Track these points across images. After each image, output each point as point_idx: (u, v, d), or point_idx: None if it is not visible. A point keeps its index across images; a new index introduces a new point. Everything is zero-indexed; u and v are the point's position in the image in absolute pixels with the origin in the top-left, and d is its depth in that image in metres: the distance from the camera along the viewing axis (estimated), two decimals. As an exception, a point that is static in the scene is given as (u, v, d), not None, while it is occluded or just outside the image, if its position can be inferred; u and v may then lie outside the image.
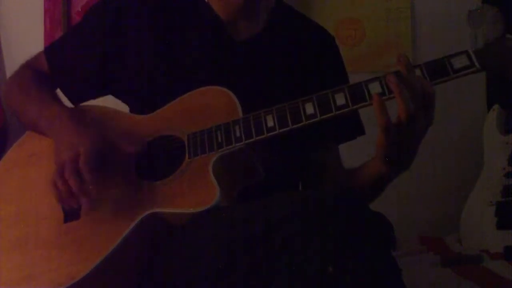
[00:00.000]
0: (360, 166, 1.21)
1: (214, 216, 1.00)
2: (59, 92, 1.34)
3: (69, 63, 1.32)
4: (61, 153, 1.11)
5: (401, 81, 0.98)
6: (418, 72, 1.00)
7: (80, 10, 2.24)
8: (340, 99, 1.02)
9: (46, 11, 2.24)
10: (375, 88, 1.01)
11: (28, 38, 2.23)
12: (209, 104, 1.13)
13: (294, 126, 1.03)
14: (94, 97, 1.34)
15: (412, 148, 1.06)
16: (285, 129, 1.04)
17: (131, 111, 1.29)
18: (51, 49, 1.36)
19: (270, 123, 1.05)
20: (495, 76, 1.05)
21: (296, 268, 0.84)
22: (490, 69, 1.01)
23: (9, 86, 1.36)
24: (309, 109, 1.03)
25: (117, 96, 1.33)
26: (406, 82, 0.98)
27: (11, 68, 2.13)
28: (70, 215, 1.13)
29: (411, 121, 0.99)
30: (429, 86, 0.99)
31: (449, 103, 2.30)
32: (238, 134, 1.06)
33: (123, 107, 1.31)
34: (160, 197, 1.07)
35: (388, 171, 1.11)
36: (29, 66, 1.36)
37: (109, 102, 1.32)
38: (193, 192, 1.05)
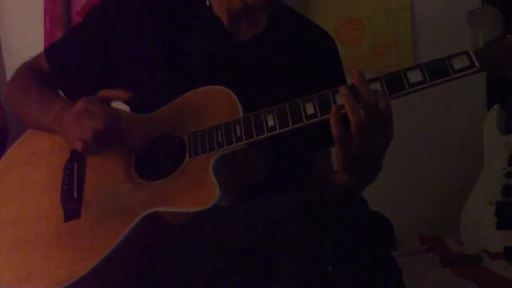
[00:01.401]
0: (331, 174, 1.21)
1: (214, 216, 1.00)
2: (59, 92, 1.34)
3: (70, 64, 1.32)
4: (70, 127, 1.12)
5: (353, 94, 0.98)
6: (418, 72, 1.00)
7: (80, 10, 2.24)
8: (340, 99, 1.02)
9: (46, 11, 2.24)
10: (374, 88, 1.01)
11: (28, 38, 2.22)
12: (209, 104, 1.13)
13: (295, 126, 1.03)
14: None
15: (373, 161, 1.05)
16: (285, 129, 1.04)
17: (131, 110, 1.29)
18: (51, 50, 1.37)
19: (271, 123, 1.05)
20: (495, 76, 1.04)
21: (296, 268, 0.84)
22: (490, 69, 1.01)
23: (11, 87, 1.36)
24: (310, 109, 1.03)
25: (118, 96, 1.33)
26: (359, 95, 0.98)
27: (11, 68, 2.13)
28: (71, 214, 1.13)
29: (364, 134, 0.98)
30: (383, 100, 0.99)
31: (449, 103, 2.30)
32: (238, 133, 1.06)
33: (123, 107, 1.31)
34: (160, 196, 1.07)
35: (351, 182, 1.09)
36: (30, 67, 1.36)
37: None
38: (193, 192, 1.05)
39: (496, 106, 2.08)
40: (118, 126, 1.11)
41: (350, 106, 0.98)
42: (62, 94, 1.35)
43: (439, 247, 1.95)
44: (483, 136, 2.10)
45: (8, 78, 1.43)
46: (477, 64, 0.98)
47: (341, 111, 0.99)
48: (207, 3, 1.27)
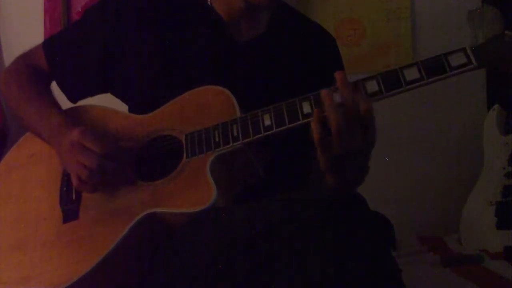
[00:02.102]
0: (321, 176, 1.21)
1: (214, 216, 1.00)
2: (59, 92, 1.33)
3: (68, 60, 1.31)
4: (65, 154, 1.12)
5: (333, 96, 0.99)
6: (415, 69, 1.00)
7: (80, 10, 2.23)
8: (337, 98, 1.02)
9: (46, 11, 2.24)
10: (373, 86, 1.01)
11: (28, 38, 2.21)
12: (207, 104, 1.13)
13: (291, 125, 1.03)
14: (92, 95, 1.33)
15: (356, 163, 1.04)
16: (282, 128, 1.04)
17: (130, 110, 1.29)
18: (49, 44, 1.35)
19: (267, 122, 1.05)
20: (495, 73, 1.04)
21: (296, 268, 0.84)
22: (488, 66, 1.01)
23: (7, 85, 1.35)
24: (306, 107, 1.03)
25: (116, 95, 1.32)
26: (340, 97, 0.99)
27: (11, 68, 2.13)
28: (69, 215, 1.14)
29: (345, 136, 0.98)
30: (365, 102, 0.99)
31: (449, 103, 2.30)
32: (235, 133, 1.06)
33: (122, 107, 1.31)
34: (157, 197, 1.07)
35: (337, 185, 1.09)
36: (26, 61, 1.35)
37: (108, 101, 1.31)
38: (190, 192, 1.05)
39: (496, 106, 2.08)
40: (112, 165, 1.11)
41: (331, 109, 0.98)
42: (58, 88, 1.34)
43: (439, 247, 1.95)
44: (483, 136, 2.10)
45: (3, 71, 1.42)
46: (474, 61, 0.98)
47: (322, 114, 0.99)
48: (208, 2, 1.27)
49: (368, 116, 0.99)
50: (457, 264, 1.69)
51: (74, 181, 1.12)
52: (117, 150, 1.15)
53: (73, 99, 1.32)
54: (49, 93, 1.32)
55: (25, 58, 1.36)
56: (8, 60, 2.23)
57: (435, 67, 0.99)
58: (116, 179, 1.12)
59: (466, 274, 1.57)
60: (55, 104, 1.28)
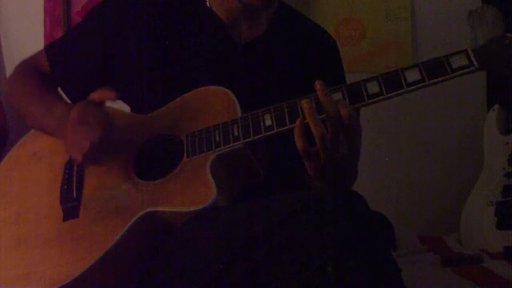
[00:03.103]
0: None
1: (214, 216, 1.00)
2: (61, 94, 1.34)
3: (70, 63, 1.32)
4: (72, 138, 1.13)
5: (315, 106, 0.99)
6: (416, 71, 1.00)
7: (80, 10, 2.24)
8: (338, 98, 1.02)
9: (46, 11, 2.24)
10: (373, 87, 1.01)
11: (28, 38, 2.23)
12: (208, 104, 1.13)
13: (292, 125, 1.03)
14: None
15: (344, 170, 1.05)
16: (282, 128, 1.04)
17: (132, 111, 1.29)
18: (52, 48, 1.36)
19: (268, 122, 1.05)
20: (495, 75, 1.04)
21: (296, 268, 0.84)
22: (489, 68, 1.01)
23: (11, 86, 1.36)
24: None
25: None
26: (322, 106, 0.99)
27: (11, 68, 2.13)
28: (70, 213, 1.14)
29: (329, 146, 0.99)
30: (346, 110, 0.99)
31: (449, 103, 2.30)
32: (236, 133, 1.07)
33: (124, 107, 1.31)
34: (157, 196, 1.07)
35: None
36: (29, 65, 1.36)
37: (109, 102, 1.31)
38: (190, 191, 1.05)
39: (496, 106, 2.08)
40: (113, 134, 1.12)
41: (312, 120, 0.99)
42: (61, 91, 1.35)
43: (439, 247, 1.95)
44: (483, 136, 2.10)
45: (8, 77, 1.43)
46: (475, 63, 0.98)
47: (305, 123, 1.00)
48: (207, 3, 1.27)
49: (351, 124, 1.00)
50: (457, 264, 1.68)
51: (78, 159, 1.12)
52: (117, 149, 1.15)
53: (75, 102, 1.33)
54: (53, 90, 1.32)
55: (29, 62, 1.37)
56: (8, 60, 2.23)
57: (436, 69, 0.99)
58: (117, 153, 1.12)
59: (466, 274, 1.57)
60: (59, 97, 1.29)
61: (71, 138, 1.13)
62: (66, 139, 1.16)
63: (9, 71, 2.16)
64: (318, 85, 1.01)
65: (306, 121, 1.00)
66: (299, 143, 1.00)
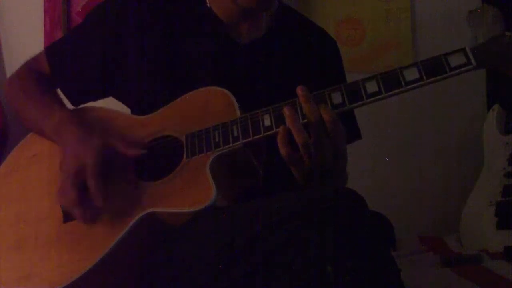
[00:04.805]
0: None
1: (214, 216, 1.00)
2: (62, 97, 1.34)
3: (70, 65, 1.32)
4: (68, 164, 1.11)
5: (297, 114, 1.00)
6: (414, 70, 1.00)
7: (80, 10, 2.23)
8: (336, 98, 1.02)
9: (46, 11, 2.24)
10: (371, 86, 1.01)
11: (28, 38, 2.22)
12: (208, 105, 1.13)
13: (304, 121, 1.03)
14: (94, 99, 1.34)
15: (330, 174, 1.05)
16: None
17: (132, 112, 1.29)
18: (52, 49, 1.36)
19: (267, 122, 1.05)
20: (494, 73, 1.04)
21: (296, 268, 0.84)
22: (488, 66, 1.01)
23: (11, 88, 1.36)
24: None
25: (118, 98, 1.33)
26: (304, 112, 1.00)
27: (11, 68, 2.14)
28: (70, 215, 1.13)
29: (312, 152, 1.00)
30: (328, 115, 1.00)
31: (449, 103, 2.30)
32: (235, 133, 1.07)
33: (125, 109, 1.31)
34: (157, 196, 1.07)
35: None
36: (30, 67, 1.36)
37: (110, 103, 1.32)
38: (190, 192, 1.05)
39: (496, 106, 2.08)
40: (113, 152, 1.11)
41: (295, 127, 1.00)
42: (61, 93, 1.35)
43: (439, 247, 1.95)
44: (483, 136, 2.10)
45: (8, 78, 1.43)
46: (473, 61, 0.98)
47: (288, 129, 1.00)
48: (208, 5, 1.27)
49: (334, 128, 1.00)
50: (457, 264, 1.69)
51: (62, 201, 1.10)
52: (117, 151, 1.15)
53: (75, 104, 1.33)
54: (53, 93, 1.32)
55: (29, 64, 1.37)
56: (8, 60, 2.23)
57: (435, 67, 0.99)
58: (116, 181, 1.12)
59: (466, 274, 1.57)
60: (58, 101, 1.29)
61: (70, 164, 1.11)
62: (65, 152, 1.15)
63: (9, 70, 2.17)
64: (299, 90, 1.02)
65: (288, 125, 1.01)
66: (282, 149, 1.01)
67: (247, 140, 1.06)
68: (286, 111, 1.01)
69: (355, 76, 1.04)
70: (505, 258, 1.73)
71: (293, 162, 1.03)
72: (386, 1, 2.33)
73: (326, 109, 1.00)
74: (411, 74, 1.00)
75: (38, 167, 1.24)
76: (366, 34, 2.34)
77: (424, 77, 0.99)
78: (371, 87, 1.01)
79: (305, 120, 1.01)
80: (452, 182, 2.28)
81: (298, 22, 1.35)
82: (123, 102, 1.32)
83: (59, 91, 1.34)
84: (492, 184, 1.98)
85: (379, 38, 2.33)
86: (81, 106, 1.33)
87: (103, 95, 1.33)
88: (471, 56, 0.98)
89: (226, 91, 1.12)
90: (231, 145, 1.06)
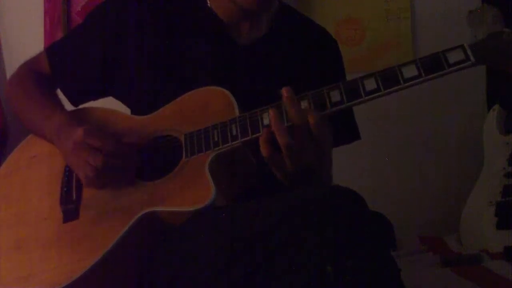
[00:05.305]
0: None
1: (214, 215, 1.00)
2: (59, 93, 1.34)
3: (70, 65, 1.32)
4: (73, 152, 1.12)
5: (281, 115, 1.00)
6: (413, 67, 1.00)
7: (80, 10, 2.24)
8: (335, 96, 1.02)
9: (46, 11, 2.24)
10: (370, 84, 1.01)
11: (28, 38, 2.23)
12: (206, 104, 1.13)
13: (289, 124, 1.03)
14: (95, 99, 1.34)
15: (314, 176, 1.05)
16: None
17: (132, 112, 1.29)
18: (52, 49, 1.37)
19: (266, 121, 1.05)
20: (494, 72, 1.04)
21: (296, 268, 0.84)
22: (487, 63, 1.00)
23: (11, 88, 1.36)
24: (305, 106, 1.03)
25: (118, 98, 1.33)
26: (288, 116, 1.00)
27: (11, 68, 2.14)
28: (70, 215, 1.14)
29: (295, 154, 1.00)
30: (313, 118, 0.99)
31: (449, 103, 2.30)
32: (234, 132, 1.07)
33: (125, 109, 1.31)
34: (156, 196, 1.07)
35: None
36: (30, 67, 1.36)
37: (110, 103, 1.32)
38: (189, 191, 1.05)
39: (496, 106, 2.08)
40: (119, 160, 1.11)
41: (278, 129, 1.00)
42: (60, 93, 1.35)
43: (439, 247, 1.95)
44: (483, 136, 2.10)
45: (8, 78, 1.43)
46: (472, 57, 0.98)
47: (270, 131, 1.00)
48: (208, 4, 1.27)
49: (318, 131, 1.00)
50: (457, 264, 1.69)
51: (83, 179, 1.12)
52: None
53: (75, 103, 1.33)
54: (53, 95, 1.32)
55: (29, 64, 1.37)
56: (8, 60, 2.23)
57: (433, 64, 0.99)
58: (121, 174, 1.12)
59: (466, 274, 1.57)
60: (58, 104, 1.29)
61: (73, 156, 1.12)
62: (64, 154, 1.16)
63: (9, 70, 2.17)
64: (284, 92, 1.02)
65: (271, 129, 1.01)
66: (263, 150, 1.01)
67: (246, 139, 1.06)
68: (271, 112, 1.01)
69: (355, 76, 1.04)
70: (505, 258, 1.73)
71: (275, 163, 1.03)
72: (386, 1, 2.33)
73: (311, 112, 1.00)
74: (410, 71, 1.00)
75: (38, 168, 1.24)
76: (366, 34, 2.34)
77: (423, 74, 0.99)
78: (370, 84, 1.01)
79: (290, 123, 1.01)
80: (452, 182, 2.28)
81: (298, 22, 1.35)
82: (123, 102, 1.32)
83: (59, 91, 1.34)
84: (492, 184, 1.98)
85: (379, 38, 2.33)
86: (81, 106, 1.33)
87: (103, 95, 1.33)
88: (469, 53, 0.98)
89: (225, 91, 1.12)
90: (230, 144, 1.06)
